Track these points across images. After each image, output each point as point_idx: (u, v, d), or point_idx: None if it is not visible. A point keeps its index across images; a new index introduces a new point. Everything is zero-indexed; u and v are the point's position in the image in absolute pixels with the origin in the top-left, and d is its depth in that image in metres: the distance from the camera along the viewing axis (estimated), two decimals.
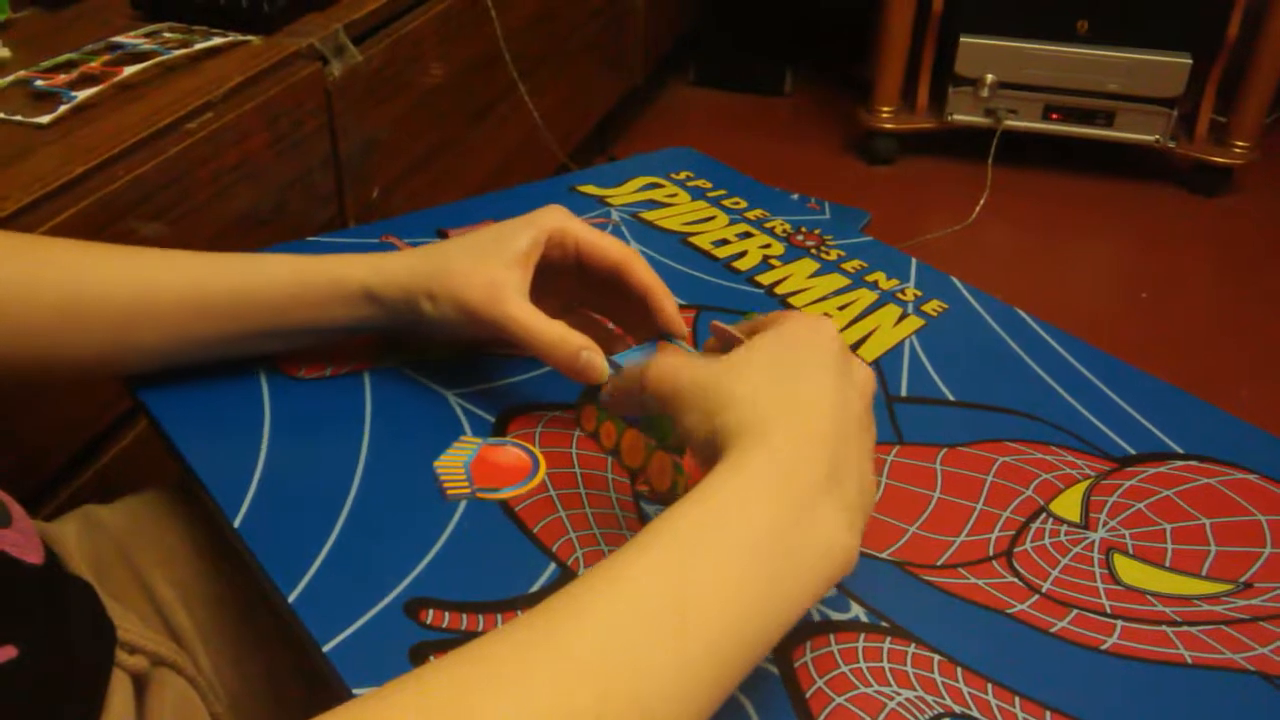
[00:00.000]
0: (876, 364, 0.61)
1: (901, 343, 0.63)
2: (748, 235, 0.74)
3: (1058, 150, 2.11)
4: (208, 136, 0.83)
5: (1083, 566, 0.48)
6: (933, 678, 0.42)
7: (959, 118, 2.07)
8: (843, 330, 0.64)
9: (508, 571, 0.46)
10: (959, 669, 0.43)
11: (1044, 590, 0.47)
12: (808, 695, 0.41)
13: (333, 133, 1.02)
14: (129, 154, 0.76)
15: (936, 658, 0.43)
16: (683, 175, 0.83)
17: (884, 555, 0.48)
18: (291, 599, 0.44)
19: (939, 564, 0.48)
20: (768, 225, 0.76)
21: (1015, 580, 0.47)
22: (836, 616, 0.45)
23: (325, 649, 0.42)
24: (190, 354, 0.55)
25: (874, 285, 0.69)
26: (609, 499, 0.50)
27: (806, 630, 0.44)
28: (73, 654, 0.44)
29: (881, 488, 0.52)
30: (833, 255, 0.72)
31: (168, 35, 0.94)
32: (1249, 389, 1.58)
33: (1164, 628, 0.45)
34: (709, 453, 0.41)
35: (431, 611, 0.44)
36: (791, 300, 0.67)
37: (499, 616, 0.44)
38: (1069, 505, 0.52)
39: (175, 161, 0.80)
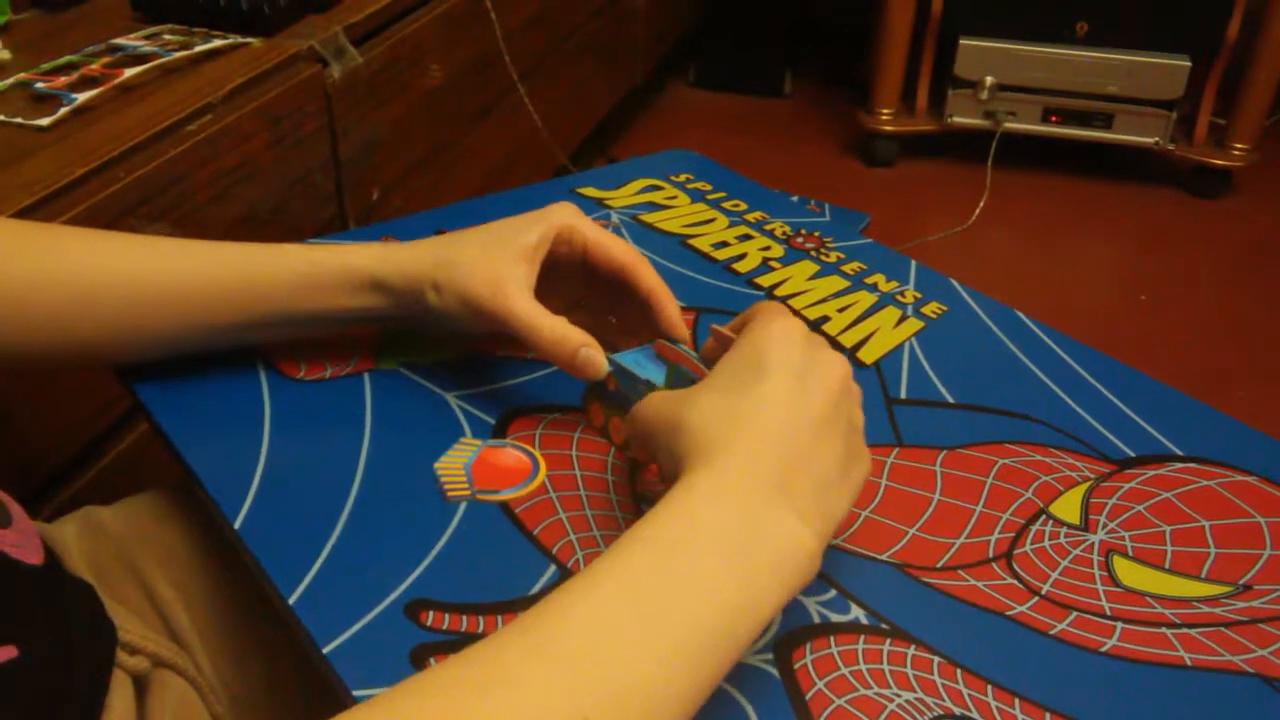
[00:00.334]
0: (876, 366, 0.61)
1: (901, 345, 0.63)
2: (747, 237, 0.75)
3: (1057, 153, 2.11)
4: (208, 138, 0.83)
5: (1082, 568, 0.48)
6: (933, 679, 0.43)
7: (958, 120, 2.07)
8: (842, 332, 0.64)
9: (508, 573, 0.46)
10: (959, 671, 0.43)
11: (1044, 592, 0.47)
12: (808, 697, 0.41)
13: (333, 134, 1.02)
14: (129, 156, 0.77)
15: (936, 659, 0.43)
16: (682, 177, 0.83)
17: (884, 557, 0.48)
18: (292, 600, 0.44)
19: (939, 566, 0.48)
20: (767, 227, 0.76)
21: (1015, 582, 0.48)
22: (836, 618, 0.45)
23: (325, 650, 0.42)
24: (201, 342, 0.55)
25: (874, 287, 0.69)
26: (609, 501, 0.50)
27: (807, 632, 0.44)
28: (73, 654, 0.44)
29: (881, 490, 0.52)
30: (832, 257, 0.72)
31: (168, 37, 0.94)
32: (1248, 391, 1.58)
33: (1163, 630, 0.45)
34: (673, 477, 0.42)
35: (432, 613, 0.44)
36: (791, 302, 0.67)
37: (499, 618, 0.44)
38: (1068, 507, 0.52)
39: (175, 163, 0.80)
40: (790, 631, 0.44)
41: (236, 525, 0.47)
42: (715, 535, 0.38)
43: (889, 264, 0.72)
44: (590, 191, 0.80)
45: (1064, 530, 0.50)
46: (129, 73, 0.85)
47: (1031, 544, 0.50)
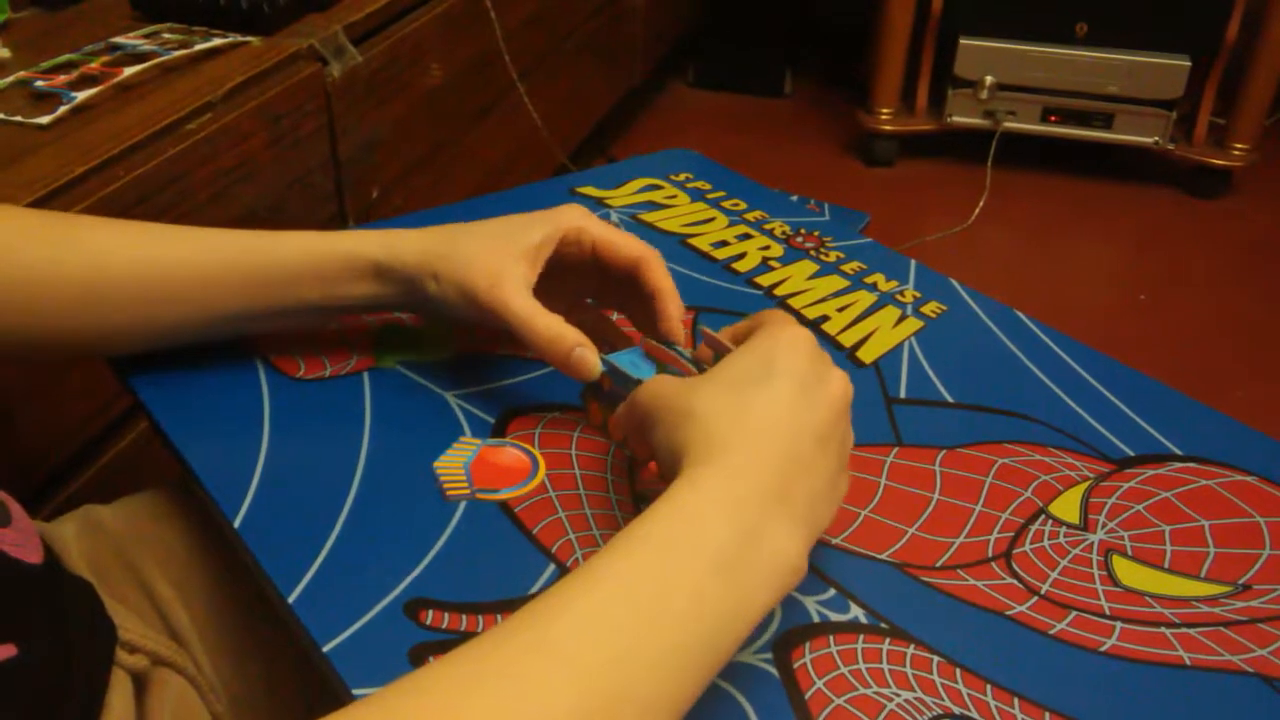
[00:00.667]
0: (875, 365, 0.61)
1: (900, 344, 0.63)
2: (747, 237, 0.75)
3: (1057, 152, 2.11)
4: (207, 137, 0.83)
5: (1082, 568, 0.48)
6: (932, 679, 0.43)
7: (958, 119, 2.07)
8: (841, 332, 0.64)
9: (507, 572, 0.46)
10: (958, 670, 0.43)
11: (1043, 592, 0.47)
12: (807, 696, 0.41)
13: (332, 133, 1.02)
14: (129, 154, 0.77)
15: (935, 659, 0.43)
16: (682, 177, 0.83)
17: (883, 556, 0.48)
18: (291, 599, 0.44)
19: (938, 565, 0.48)
20: (767, 227, 0.76)
21: (1014, 582, 0.48)
22: (836, 617, 0.45)
23: (325, 649, 0.42)
24: (209, 330, 0.55)
25: (873, 287, 0.69)
26: (608, 500, 0.50)
27: (806, 631, 0.44)
28: (72, 653, 0.44)
29: (881, 489, 0.52)
30: (832, 257, 0.72)
31: (167, 36, 0.94)
32: (1247, 391, 1.58)
33: (1163, 629, 0.45)
34: (669, 464, 0.42)
35: (431, 612, 0.44)
36: (791, 302, 0.67)
37: (499, 617, 0.44)
38: (1068, 507, 0.52)
39: (175, 162, 0.80)
40: (789, 630, 0.44)
41: (236, 524, 0.47)
42: (715, 542, 0.38)
43: (888, 263, 0.72)
44: (590, 191, 0.80)
45: (1063, 530, 0.50)
46: (128, 71, 0.85)
47: (1031, 543, 0.50)
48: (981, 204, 2.01)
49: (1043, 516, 0.51)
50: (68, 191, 0.71)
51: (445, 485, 0.50)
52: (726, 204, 0.79)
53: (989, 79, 1.99)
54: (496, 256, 0.52)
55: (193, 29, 0.97)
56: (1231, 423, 0.58)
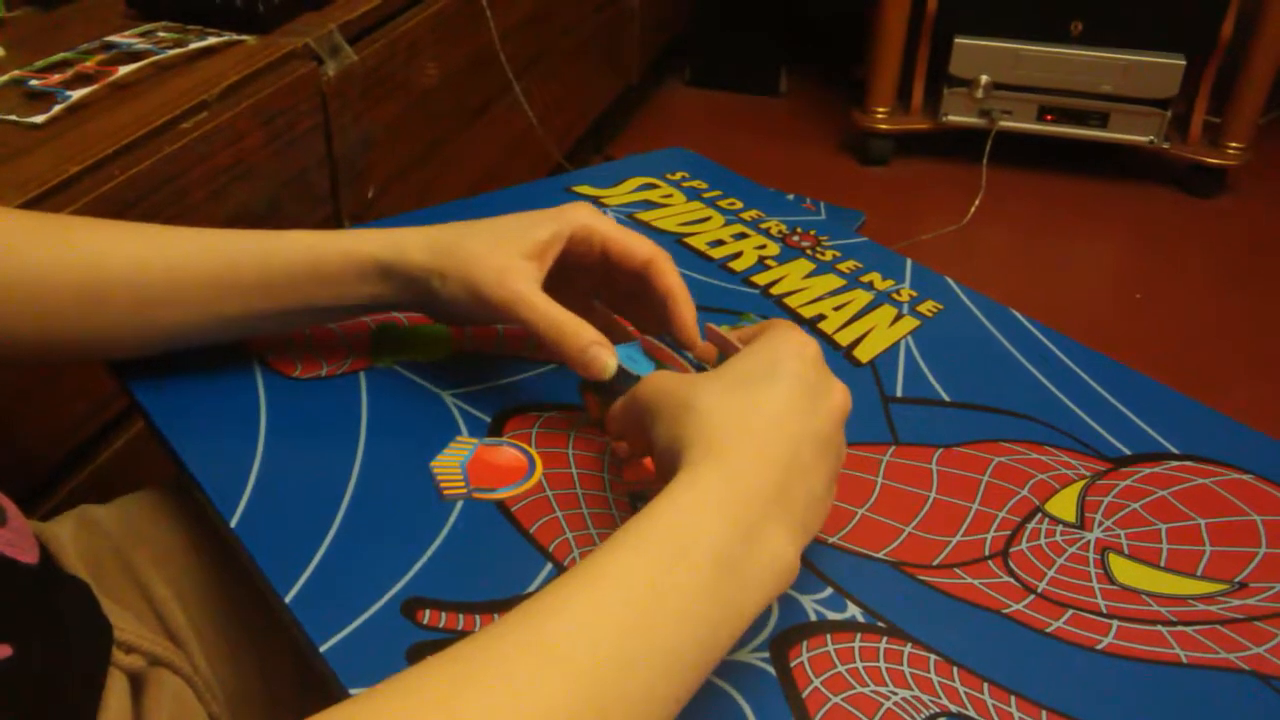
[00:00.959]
0: (872, 365, 0.61)
1: (897, 343, 0.63)
2: (743, 236, 0.75)
3: (1052, 151, 2.12)
4: (202, 136, 0.83)
5: (1078, 566, 0.48)
6: (929, 677, 0.43)
7: (953, 118, 2.07)
8: (838, 330, 0.64)
9: (504, 571, 0.46)
10: (955, 669, 0.43)
11: (1040, 590, 0.47)
12: (804, 695, 0.41)
13: (328, 132, 1.02)
14: (124, 153, 0.76)
15: (933, 657, 0.43)
16: (678, 176, 0.83)
17: (880, 555, 0.49)
18: (288, 599, 0.44)
19: (935, 564, 0.48)
20: (763, 226, 0.76)
21: (1011, 580, 0.48)
22: (833, 616, 0.45)
23: (322, 649, 0.42)
24: (211, 332, 0.55)
25: (869, 286, 0.69)
26: (605, 499, 0.50)
27: (803, 630, 0.44)
28: (68, 653, 0.44)
29: (877, 488, 0.52)
30: (828, 256, 0.72)
31: (162, 35, 0.94)
32: (1244, 389, 1.58)
33: (1159, 627, 0.46)
34: (668, 459, 0.42)
35: (428, 611, 0.44)
36: (787, 301, 0.67)
37: (496, 616, 0.44)
38: (1064, 505, 0.52)
39: (170, 161, 0.80)
40: (786, 629, 0.44)
41: (232, 524, 0.47)
42: (713, 543, 0.38)
43: (884, 262, 0.72)
44: (586, 190, 0.80)
45: (1060, 528, 0.50)
46: (123, 70, 0.85)
47: (1027, 542, 0.50)
48: (977, 203, 2.01)
49: (1039, 515, 0.51)
50: (62, 191, 0.71)
51: (442, 485, 0.50)
52: (723, 203, 0.79)
53: (984, 78, 2.00)
54: (504, 254, 0.51)
55: (188, 28, 0.97)
56: (1228, 421, 0.58)
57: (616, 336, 0.57)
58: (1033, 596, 0.47)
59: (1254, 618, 0.46)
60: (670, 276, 0.53)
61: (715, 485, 0.39)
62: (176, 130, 0.81)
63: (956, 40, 1.99)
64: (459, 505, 0.49)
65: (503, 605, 0.44)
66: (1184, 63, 1.91)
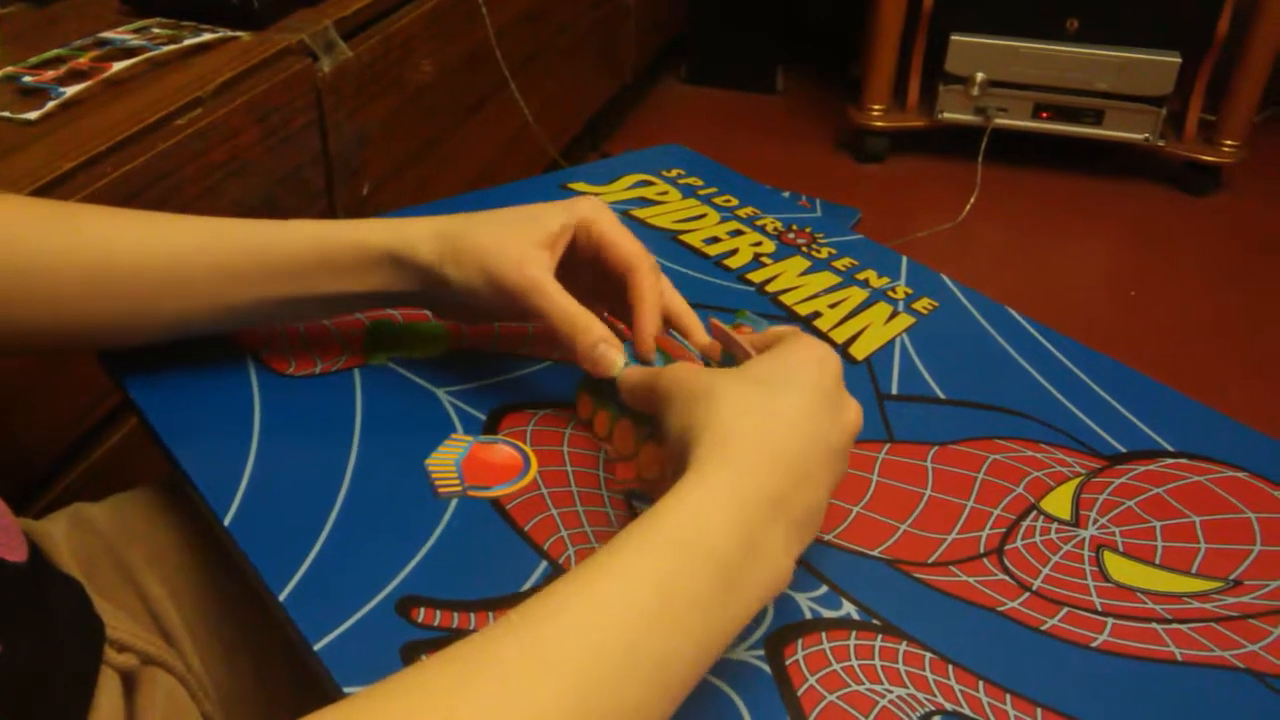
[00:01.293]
0: (867, 362, 0.61)
1: (892, 340, 0.63)
2: (738, 233, 0.74)
3: (1047, 149, 2.12)
4: (196, 133, 0.83)
5: (1073, 564, 0.48)
6: (924, 675, 0.43)
7: (949, 116, 2.07)
8: (833, 328, 0.64)
9: (499, 569, 0.46)
10: (950, 666, 0.43)
11: (1035, 588, 0.47)
12: (800, 693, 0.41)
13: (323, 129, 1.02)
14: (118, 150, 0.76)
15: (928, 655, 0.43)
16: (674, 173, 0.83)
17: (875, 553, 0.48)
18: (282, 598, 0.44)
19: (930, 562, 0.48)
20: (759, 223, 0.76)
21: (1006, 578, 0.48)
22: (828, 614, 0.45)
23: (316, 648, 0.41)
24: (215, 322, 0.54)
25: (864, 283, 0.69)
26: (600, 497, 0.50)
27: (798, 628, 0.44)
28: (58, 652, 0.44)
29: (872, 485, 0.52)
30: (823, 253, 0.72)
31: (156, 31, 0.93)
32: (1238, 386, 1.58)
33: (1154, 625, 0.46)
34: (679, 449, 0.42)
35: (423, 610, 0.44)
36: (783, 298, 0.67)
37: (490, 614, 0.44)
38: (1059, 503, 0.52)
39: (164, 158, 0.80)
40: (782, 628, 0.44)
41: (226, 522, 0.47)
42: (718, 549, 0.37)
43: (880, 260, 0.72)
44: (582, 187, 0.80)
45: (1055, 526, 0.50)
46: (117, 66, 0.84)
47: (1022, 539, 0.50)
48: (972, 200, 2.01)
49: (1034, 512, 0.51)
50: (56, 187, 0.70)
51: (437, 482, 0.50)
52: (718, 200, 0.79)
53: (980, 75, 2.00)
54: (519, 242, 0.51)
55: (182, 24, 0.96)
56: (1222, 418, 0.58)
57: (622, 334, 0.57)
58: (1028, 594, 0.47)
59: (1248, 615, 0.46)
60: (644, 287, 0.52)
61: (723, 485, 0.39)
62: (170, 127, 0.81)
63: (952, 37, 1.99)
64: (453, 503, 0.49)
65: (497, 603, 0.44)
66: (1179, 60, 1.92)
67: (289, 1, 1.02)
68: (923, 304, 0.67)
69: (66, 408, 0.76)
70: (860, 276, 0.70)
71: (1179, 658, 0.44)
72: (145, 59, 0.87)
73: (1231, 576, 0.48)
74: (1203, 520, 0.51)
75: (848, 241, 0.74)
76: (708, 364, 0.51)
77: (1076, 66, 1.96)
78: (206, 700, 0.52)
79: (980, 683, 0.42)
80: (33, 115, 0.77)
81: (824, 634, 0.44)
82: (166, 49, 0.89)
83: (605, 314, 0.58)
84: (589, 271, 0.55)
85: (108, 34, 0.91)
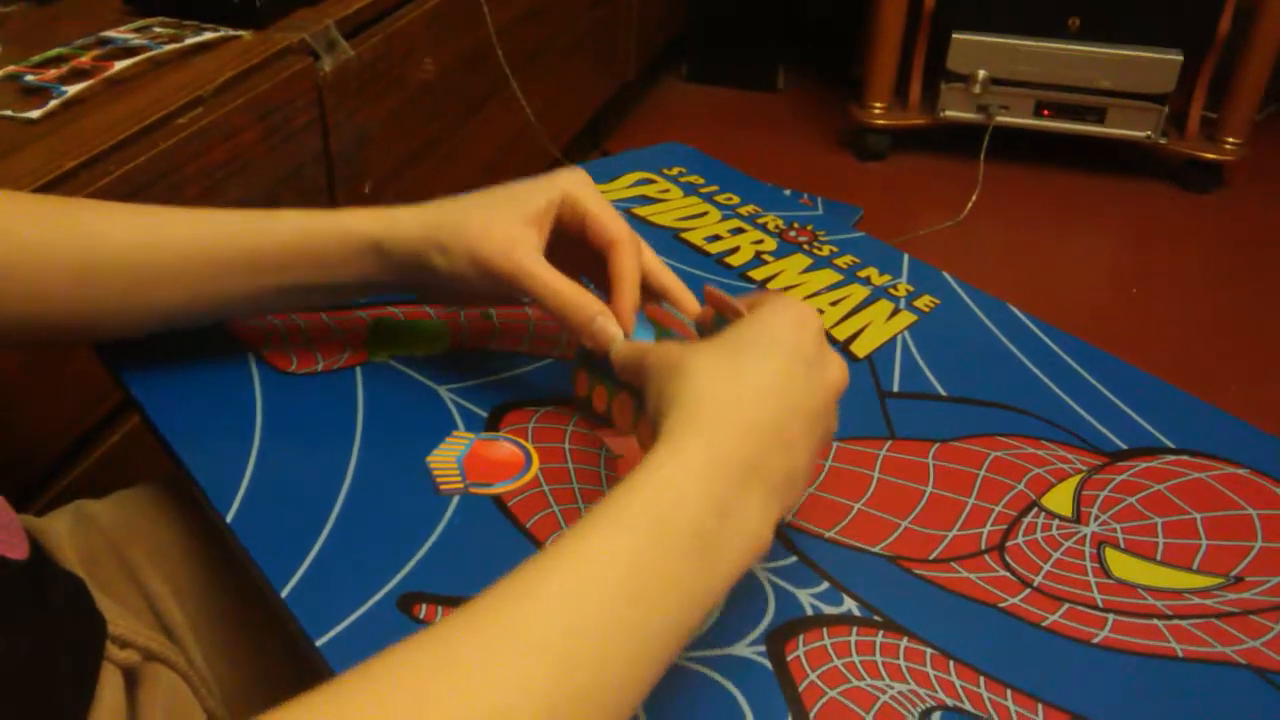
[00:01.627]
0: (869, 359, 0.61)
1: (894, 338, 0.63)
2: (740, 231, 0.75)
3: (1049, 146, 2.12)
4: (198, 132, 0.83)
5: (1074, 560, 0.49)
6: (925, 671, 0.43)
7: (951, 114, 2.07)
8: (835, 325, 0.64)
9: (501, 566, 0.45)
10: (951, 662, 0.43)
11: (1036, 584, 0.47)
12: (801, 689, 0.41)
13: (324, 128, 1.02)
14: (119, 149, 0.76)
15: (929, 651, 0.43)
16: (675, 171, 0.83)
17: (876, 549, 0.49)
18: (284, 594, 0.44)
19: (931, 558, 0.48)
20: (760, 221, 0.76)
21: (1007, 574, 0.48)
22: (829, 610, 0.45)
23: (318, 644, 0.42)
24: (205, 312, 0.55)
25: (866, 281, 0.69)
26: (602, 494, 0.50)
27: (799, 624, 0.44)
28: (59, 648, 0.44)
29: (874, 482, 0.52)
30: (825, 251, 0.72)
31: (158, 30, 0.94)
32: (1240, 384, 1.58)
33: (1155, 621, 0.46)
34: (656, 418, 0.42)
35: (425, 606, 0.44)
36: None
37: None
38: (1061, 500, 0.52)
39: (165, 157, 0.80)
40: (783, 624, 0.44)
41: (228, 519, 0.47)
42: (691, 520, 0.37)
43: (881, 257, 0.72)
44: None
45: (1056, 522, 0.51)
46: (119, 65, 0.85)
47: (1024, 536, 0.50)
48: (974, 198, 2.01)
49: (1035, 509, 0.51)
50: (57, 186, 0.71)
51: (438, 479, 0.50)
52: (720, 198, 0.79)
53: (981, 73, 2.00)
54: (505, 223, 0.50)
55: (183, 23, 0.96)
56: (1224, 416, 0.58)
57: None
58: (1029, 590, 0.47)
59: (1249, 611, 0.46)
60: (625, 264, 0.51)
61: (695, 454, 0.38)
62: (172, 126, 0.81)
63: (954, 35, 1.99)
64: (455, 500, 0.49)
65: None
66: (1181, 58, 1.91)
67: (290, 1, 1.02)
68: (924, 301, 0.67)
69: (68, 406, 0.76)
70: (862, 274, 0.70)
71: (1180, 654, 0.44)
72: (147, 58, 0.87)
73: (1232, 573, 0.48)
74: (1204, 517, 0.51)
75: (849, 239, 0.74)
76: (702, 331, 0.51)
77: (1078, 64, 1.96)
78: (209, 696, 0.52)
79: (981, 678, 0.42)
80: (35, 114, 0.77)
81: (825, 630, 0.44)
82: (168, 48, 0.89)
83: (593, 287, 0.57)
84: (577, 246, 0.54)
85: (109, 33, 0.92)
